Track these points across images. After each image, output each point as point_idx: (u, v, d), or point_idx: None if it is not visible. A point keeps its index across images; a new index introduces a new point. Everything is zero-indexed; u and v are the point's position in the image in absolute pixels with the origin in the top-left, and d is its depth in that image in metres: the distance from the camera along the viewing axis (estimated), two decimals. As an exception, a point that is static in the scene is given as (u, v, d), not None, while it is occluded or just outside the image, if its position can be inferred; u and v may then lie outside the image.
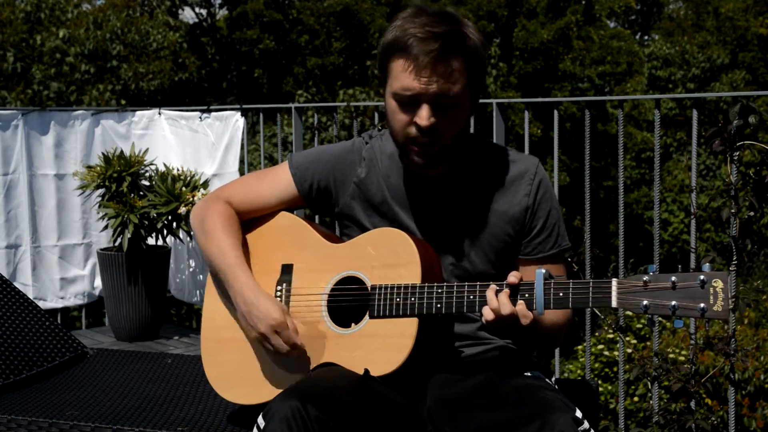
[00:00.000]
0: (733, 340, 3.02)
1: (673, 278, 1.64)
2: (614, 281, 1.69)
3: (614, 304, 1.68)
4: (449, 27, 1.80)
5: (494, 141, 3.74)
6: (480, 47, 1.85)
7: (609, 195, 16.40)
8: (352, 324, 1.91)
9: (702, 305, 1.62)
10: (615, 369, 6.31)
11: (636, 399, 6.10)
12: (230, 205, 2.07)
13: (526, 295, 1.76)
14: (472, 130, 3.83)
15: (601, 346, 6.59)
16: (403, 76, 1.81)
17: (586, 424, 1.70)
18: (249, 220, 2.08)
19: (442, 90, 1.80)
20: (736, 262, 2.96)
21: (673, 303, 1.64)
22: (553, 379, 2.09)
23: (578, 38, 18.58)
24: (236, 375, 2.01)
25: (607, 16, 21.01)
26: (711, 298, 1.62)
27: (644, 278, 1.66)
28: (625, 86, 19.31)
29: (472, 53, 1.83)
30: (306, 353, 1.93)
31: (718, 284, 1.62)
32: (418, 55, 1.78)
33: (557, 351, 3.66)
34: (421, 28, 1.79)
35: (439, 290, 1.83)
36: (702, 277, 1.62)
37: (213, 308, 2.08)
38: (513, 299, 1.76)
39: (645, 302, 1.66)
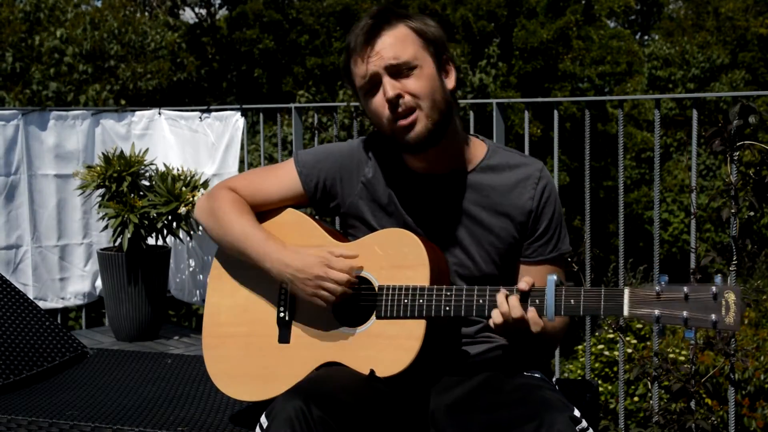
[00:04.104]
0: (733, 340, 3.02)
1: (686, 289, 1.65)
2: (626, 290, 1.69)
3: (626, 313, 1.68)
4: (379, 9, 1.90)
5: (494, 141, 3.73)
6: (421, 16, 1.93)
7: (609, 195, 16.39)
8: (358, 324, 1.90)
9: (713, 317, 1.62)
10: (615, 369, 6.30)
11: (636, 399, 6.10)
12: (236, 193, 2.06)
13: (537, 302, 1.75)
14: (472, 130, 3.83)
15: (601, 346, 6.59)
16: (357, 69, 1.89)
17: (584, 423, 1.70)
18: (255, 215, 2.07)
19: (390, 58, 1.85)
20: (736, 262, 2.96)
21: (685, 314, 1.64)
22: (553, 379, 2.09)
23: (578, 38, 18.57)
24: (238, 371, 2.01)
25: (606, 16, 21.00)
26: (723, 310, 1.62)
27: (656, 288, 1.66)
28: (625, 86, 19.31)
29: (413, 19, 1.90)
30: (310, 350, 1.92)
31: (730, 296, 1.62)
32: (357, 42, 1.87)
33: (557, 351, 3.66)
34: (355, 27, 1.90)
35: (448, 293, 1.82)
36: (714, 289, 1.63)
37: (216, 303, 2.07)
38: (523, 305, 1.76)
39: (657, 312, 1.66)
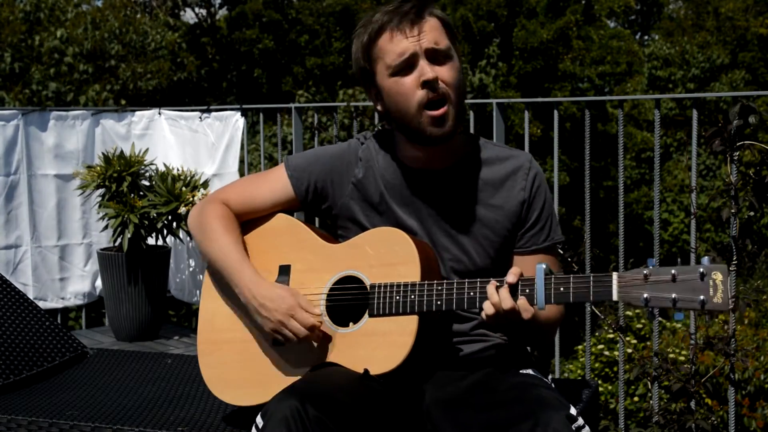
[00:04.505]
0: (733, 340, 3.02)
1: (673, 271, 1.64)
2: (615, 275, 1.69)
3: (615, 297, 1.68)
4: None
5: (494, 141, 3.74)
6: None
7: (609, 195, 16.40)
8: (351, 323, 1.91)
9: (702, 297, 1.62)
10: (615, 369, 6.31)
11: (636, 399, 6.10)
12: (227, 207, 2.07)
13: (527, 291, 1.76)
14: (472, 130, 3.83)
15: (601, 346, 6.60)
16: (392, 46, 1.88)
17: (580, 421, 1.70)
18: (245, 222, 2.08)
19: (431, 42, 1.87)
20: (736, 262, 2.96)
21: (674, 295, 1.63)
22: (550, 377, 2.09)
23: (578, 38, 18.58)
24: (233, 376, 2.01)
25: (606, 16, 21.01)
26: (711, 290, 1.62)
27: (644, 271, 1.66)
28: (625, 86, 19.32)
29: (444, 17, 1.92)
30: (305, 353, 1.93)
31: (718, 276, 1.62)
32: (399, 20, 1.87)
33: (557, 351, 3.67)
34: (389, 8, 1.90)
35: (439, 287, 1.83)
36: (701, 269, 1.62)
37: (210, 309, 2.07)
38: (513, 296, 1.76)
39: (645, 295, 1.65)
